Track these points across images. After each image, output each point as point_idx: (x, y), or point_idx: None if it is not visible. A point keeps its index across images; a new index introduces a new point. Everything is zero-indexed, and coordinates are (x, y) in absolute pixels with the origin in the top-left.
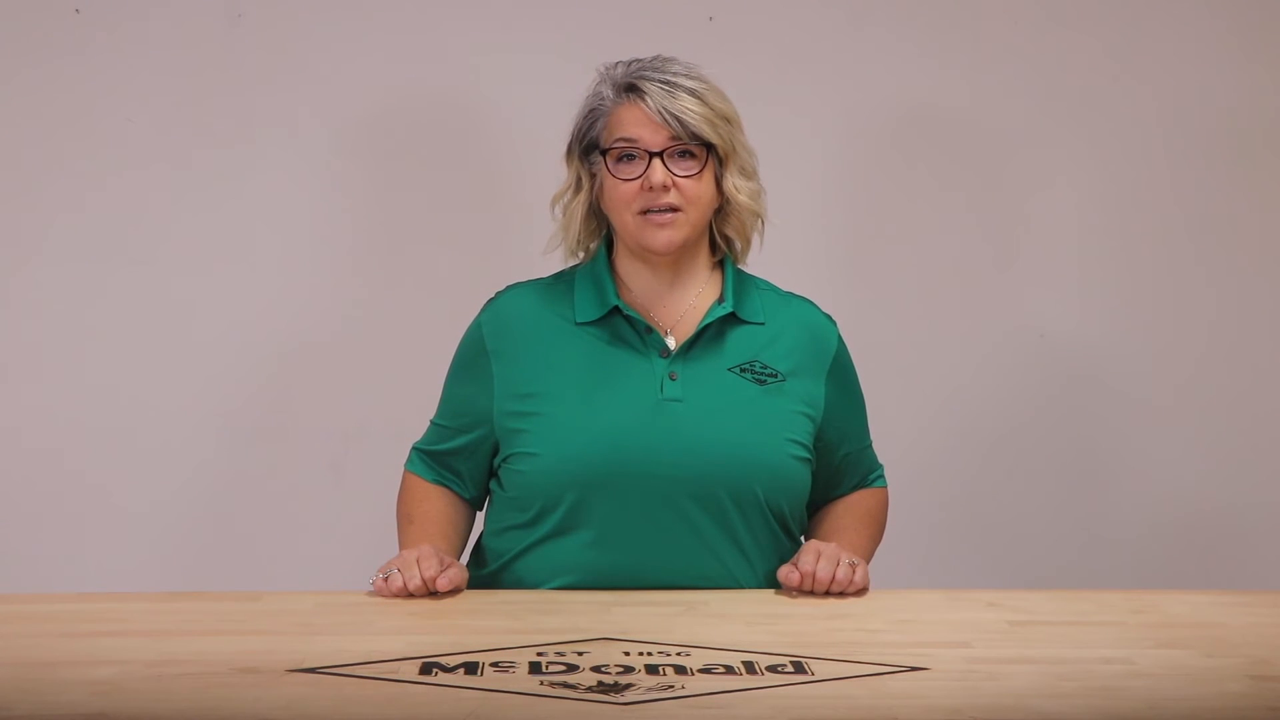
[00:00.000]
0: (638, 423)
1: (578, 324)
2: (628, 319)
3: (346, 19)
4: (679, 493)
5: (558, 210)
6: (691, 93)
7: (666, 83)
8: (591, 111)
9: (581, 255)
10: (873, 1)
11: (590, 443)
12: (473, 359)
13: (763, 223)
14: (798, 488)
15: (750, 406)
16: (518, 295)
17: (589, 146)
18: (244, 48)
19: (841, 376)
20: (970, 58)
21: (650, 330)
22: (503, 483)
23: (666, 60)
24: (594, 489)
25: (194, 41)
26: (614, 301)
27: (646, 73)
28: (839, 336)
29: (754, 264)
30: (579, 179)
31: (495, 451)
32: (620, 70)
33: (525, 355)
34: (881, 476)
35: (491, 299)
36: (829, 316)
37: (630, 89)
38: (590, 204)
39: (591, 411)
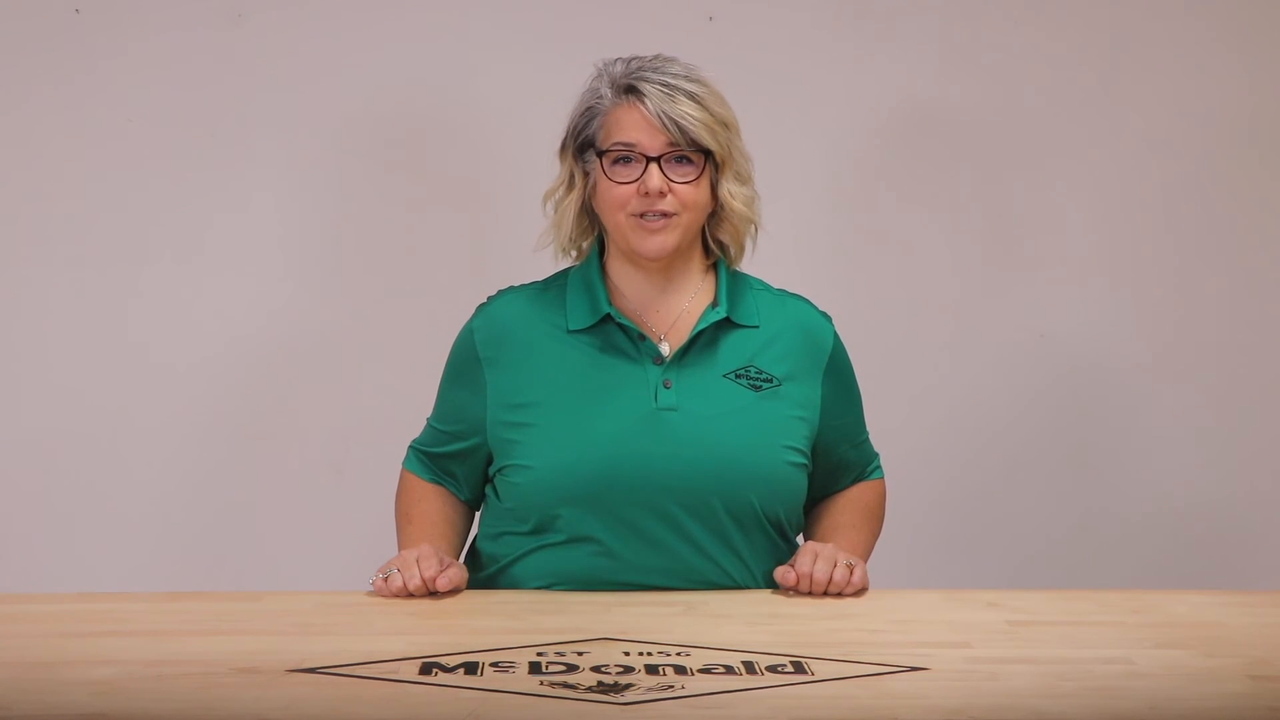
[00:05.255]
0: (632, 433)
1: (570, 332)
2: (620, 326)
3: (346, 20)
4: (674, 504)
5: (549, 207)
6: (691, 97)
7: (666, 85)
8: (588, 109)
9: (573, 255)
10: (873, 1)
11: (585, 455)
12: (466, 365)
13: (756, 229)
14: (794, 494)
15: (746, 414)
16: (510, 301)
17: (584, 145)
18: (244, 48)
19: (838, 375)
20: (970, 58)
21: (643, 338)
22: (499, 492)
23: (666, 60)
24: (590, 501)
25: (194, 42)
26: (606, 309)
27: (646, 73)
28: (835, 334)
29: (753, 262)
30: (572, 176)
31: (490, 458)
32: (619, 68)
33: (518, 364)
34: (879, 468)
35: (483, 304)
36: (825, 314)
37: (629, 90)
38: (583, 202)
39: (585, 422)
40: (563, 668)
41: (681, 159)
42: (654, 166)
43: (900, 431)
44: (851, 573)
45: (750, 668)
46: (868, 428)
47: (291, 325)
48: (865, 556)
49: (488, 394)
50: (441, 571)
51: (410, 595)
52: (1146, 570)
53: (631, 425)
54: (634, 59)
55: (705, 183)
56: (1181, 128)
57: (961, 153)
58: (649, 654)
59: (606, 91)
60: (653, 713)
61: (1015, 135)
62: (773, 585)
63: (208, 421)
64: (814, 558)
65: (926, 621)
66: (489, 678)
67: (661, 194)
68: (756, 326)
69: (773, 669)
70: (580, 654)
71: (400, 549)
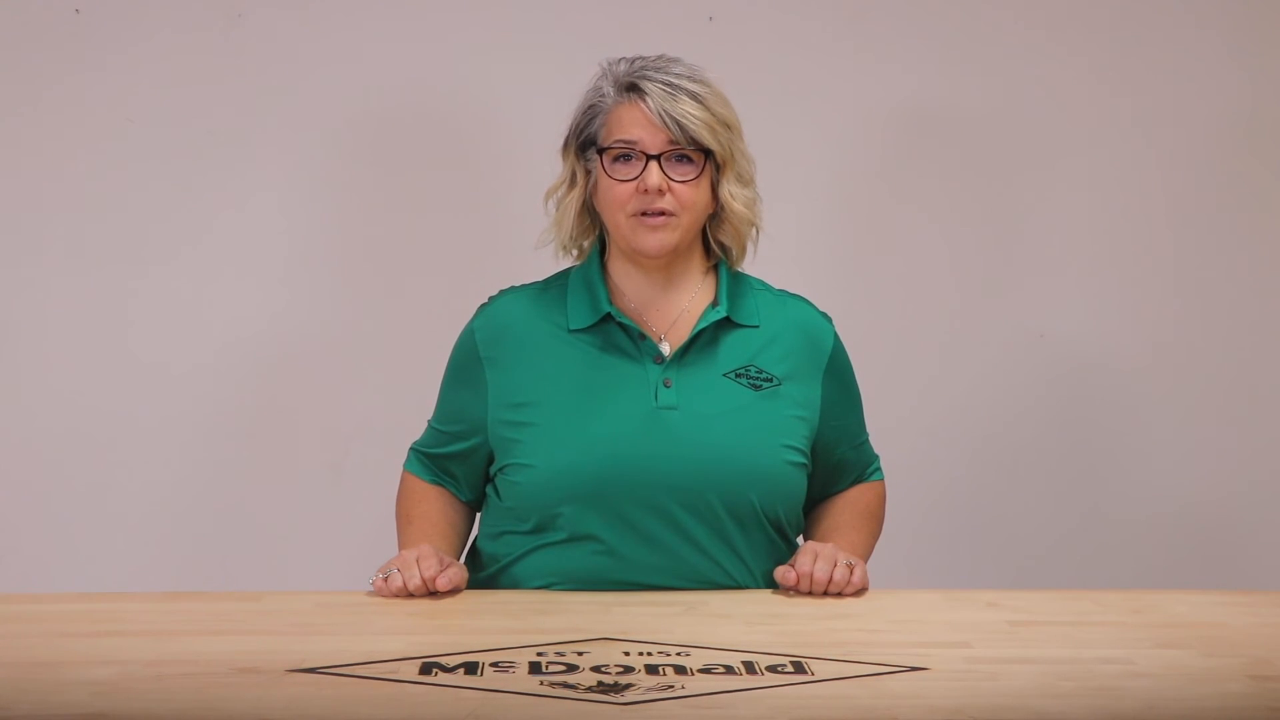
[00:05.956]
0: (633, 433)
1: (570, 331)
2: (621, 326)
3: (346, 20)
4: (675, 503)
5: (551, 204)
6: (693, 96)
7: (669, 84)
8: (591, 107)
9: (575, 254)
10: (873, 2)
11: (585, 454)
12: (467, 366)
13: (757, 231)
14: (794, 494)
15: (746, 413)
16: (511, 301)
17: (586, 142)
18: (244, 48)
19: (838, 375)
20: (970, 59)
21: (644, 337)
22: (500, 492)
23: (670, 60)
24: (590, 501)
25: (194, 42)
26: (606, 308)
27: (649, 72)
28: (835, 335)
29: (754, 262)
30: (573, 174)
31: (491, 459)
32: (623, 67)
33: (519, 363)
34: (878, 470)
35: (484, 304)
36: (825, 315)
37: (632, 88)
38: (584, 200)
39: (586, 422)
40: (563, 668)
41: (682, 158)
42: (653, 165)
43: (900, 431)
44: (851, 572)
45: (750, 668)
46: (868, 429)
47: (292, 326)
48: (865, 557)
49: (489, 393)
50: (441, 571)
51: (410, 595)
52: (1146, 570)
53: (632, 424)
54: (638, 59)
55: (705, 183)
56: (1182, 127)
57: (961, 153)
58: (649, 654)
59: (609, 90)
60: (653, 713)
61: (1015, 135)
62: (773, 585)
63: (208, 422)
64: (814, 557)
65: (926, 621)
66: (489, 678)
67: (660, 192)
68: (757, 326)
69: (773, 669)
70: (580, 654)
71: (400, 549)
